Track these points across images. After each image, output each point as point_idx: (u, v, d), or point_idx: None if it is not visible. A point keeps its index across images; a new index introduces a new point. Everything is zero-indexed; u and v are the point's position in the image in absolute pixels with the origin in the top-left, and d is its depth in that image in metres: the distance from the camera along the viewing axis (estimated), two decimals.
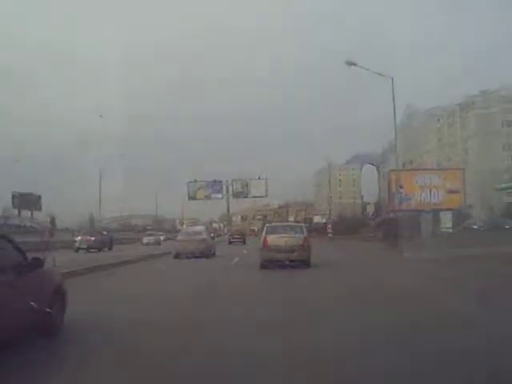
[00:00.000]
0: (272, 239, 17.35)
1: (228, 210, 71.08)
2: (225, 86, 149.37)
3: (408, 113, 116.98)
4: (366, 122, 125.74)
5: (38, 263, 6.48)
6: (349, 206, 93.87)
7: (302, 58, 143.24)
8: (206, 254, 24.99)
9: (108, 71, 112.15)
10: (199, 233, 28.31)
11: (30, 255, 6.55)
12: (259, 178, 68.13)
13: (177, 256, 25.18)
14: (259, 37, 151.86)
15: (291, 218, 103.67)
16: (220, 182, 68.75)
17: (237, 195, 69.50)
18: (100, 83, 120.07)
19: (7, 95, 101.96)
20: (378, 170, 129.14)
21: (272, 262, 16.81)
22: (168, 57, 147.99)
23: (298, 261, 16.75)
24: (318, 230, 59.00)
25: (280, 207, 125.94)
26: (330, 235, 50.66)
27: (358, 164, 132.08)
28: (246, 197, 69.87)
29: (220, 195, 69.43)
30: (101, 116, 64.76)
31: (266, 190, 68.42)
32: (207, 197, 69.29)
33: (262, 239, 17.63)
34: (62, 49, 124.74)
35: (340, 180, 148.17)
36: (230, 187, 68.96)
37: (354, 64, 29.94)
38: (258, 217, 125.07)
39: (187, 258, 23.91)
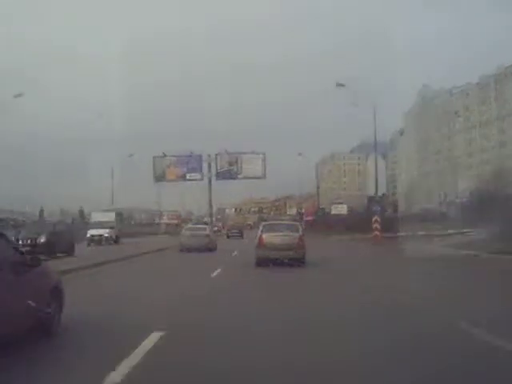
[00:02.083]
0: (268, 237, 16.80)
1: (210, 198, 49.44)
2: (226, 80, 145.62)
3: (423, 95, 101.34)
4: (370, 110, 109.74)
5: (35, 262, 6.18)
6: (355, 199, 77.28)
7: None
8: (209, 248, 25.75)
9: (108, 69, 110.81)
10: (203, 229, 29.55)
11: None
12: (254, 153, 47.43)
13: (182, 250, 26.01)
14: (259, 30, 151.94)
15: (293, 211, 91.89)
16: (199, 156, 47.37)
17: (223, 175, 47.94)
18: (100, 81, 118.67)
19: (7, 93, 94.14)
20: (384, 159, 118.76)
21: (267, 260, 16.20)
22: (167, 55, 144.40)
23: (293, 259, 15.90)
24: (345, 227, 38.15)
25: (277, 200, 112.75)
26: (377, 233, 29.07)
27: (364, 153, 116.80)
28: (235, 178, 48.55)
29: (198, 175, 47.67)
30: (100, 115, 51.10)
31: (264, 169, 47.29)
32: (181, 177, 48.05)
33: (258, 237, 17.08)
34: (62, 46, 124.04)
35: (344, 170, 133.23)
36: (213, 164, 47.76)
37: None
38: (253, 209, 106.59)
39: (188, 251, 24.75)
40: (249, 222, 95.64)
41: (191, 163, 47.28)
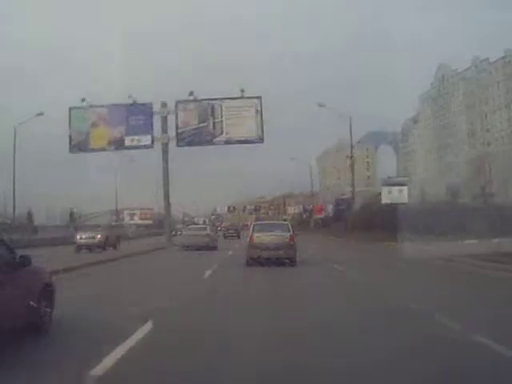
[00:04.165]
0: (258, 237, 16.84)
1: (167, 183, 27.72)
2: (228, 73, 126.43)
3: (441, 75, 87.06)
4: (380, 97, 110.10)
5: (26, 261, 6.06)
6: (363, 195, 61.68)
7: None
8: (210, 246, 26.09)
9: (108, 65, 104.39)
10: (204, 228, 29.54)
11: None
12: (243, 96, 26.22)
13: (185, 248, 26.52)
14: (259, 24, 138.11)
15: (294, 210, 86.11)
16: (147, 106, 26.57)
17: (189, 139, 25.91)
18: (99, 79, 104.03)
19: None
20: (395, 150, 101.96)
21: (258, 260, 16.16)
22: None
23: (283, 259, 16.07)
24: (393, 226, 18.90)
25: (276, 198, 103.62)
26: None
27: (372, 144, 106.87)
28: (212, 143, 26.76)
29: (148, 138, 26.05)
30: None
31: (261, 126, 26.64)
32: (116, 143, 26.97)
33: (249, 237, 17.31)
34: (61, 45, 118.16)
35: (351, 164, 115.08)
36: (173, 117, 26.98)
37: None
38: (249, 207, 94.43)
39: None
40: (246, 223, 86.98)
41: (133, 118, 26.33)
